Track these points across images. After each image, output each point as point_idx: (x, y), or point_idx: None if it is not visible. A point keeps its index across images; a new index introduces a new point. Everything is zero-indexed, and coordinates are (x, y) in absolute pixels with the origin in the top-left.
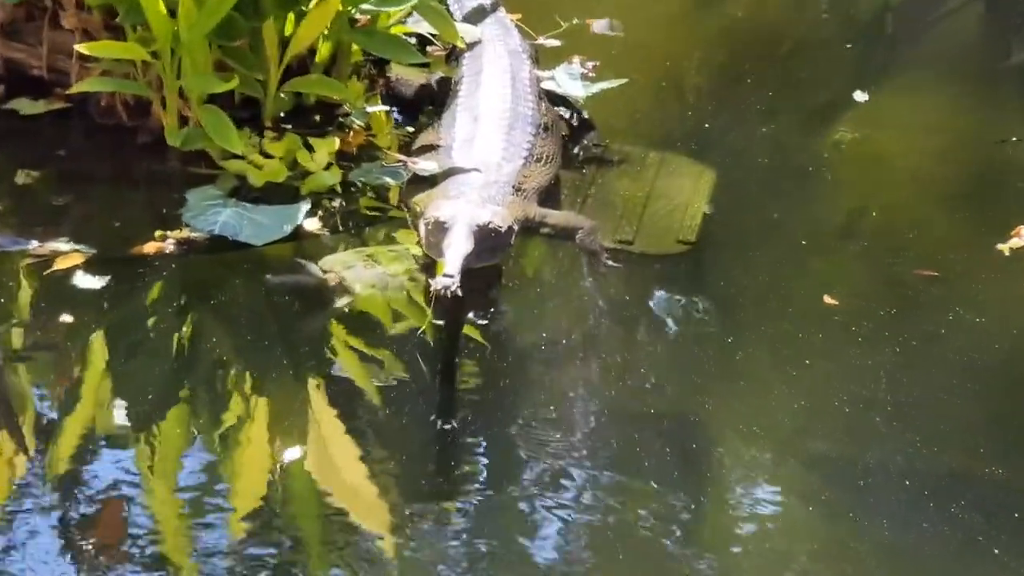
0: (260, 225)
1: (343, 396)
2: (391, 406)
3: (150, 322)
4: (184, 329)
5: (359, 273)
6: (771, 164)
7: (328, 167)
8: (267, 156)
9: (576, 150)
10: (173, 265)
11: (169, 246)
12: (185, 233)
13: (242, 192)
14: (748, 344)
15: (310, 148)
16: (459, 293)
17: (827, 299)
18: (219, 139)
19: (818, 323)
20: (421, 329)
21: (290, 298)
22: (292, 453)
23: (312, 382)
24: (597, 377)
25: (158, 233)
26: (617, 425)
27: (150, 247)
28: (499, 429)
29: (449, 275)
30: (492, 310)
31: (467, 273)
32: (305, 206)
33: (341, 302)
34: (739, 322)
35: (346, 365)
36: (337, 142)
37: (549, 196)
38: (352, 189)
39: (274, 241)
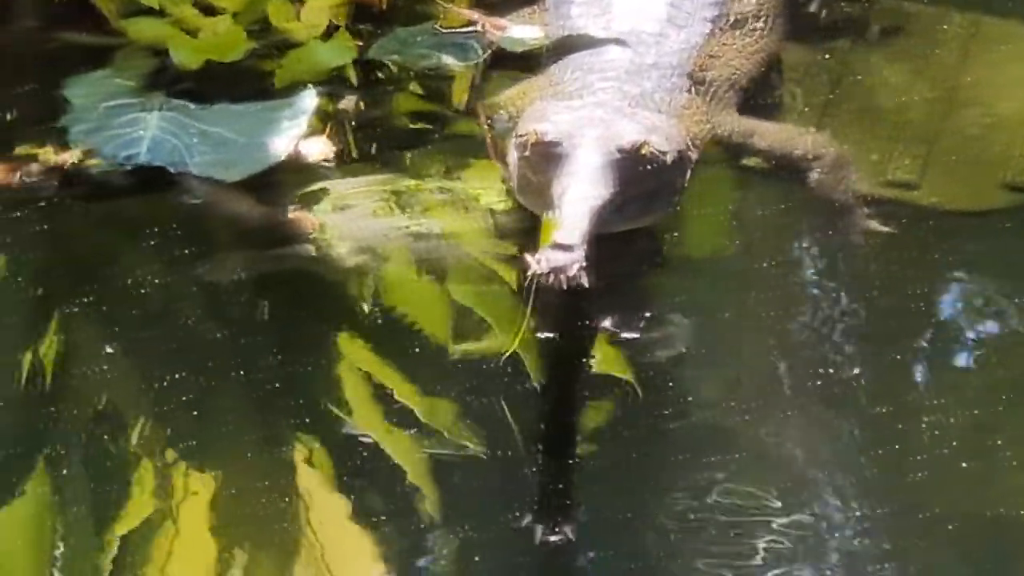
0: (226, 144)
1: (355, 480)
2: (448, 494)
3: None
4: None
5: (353, 223)
6: None
7: (331, 33)
8: (208, 12)
9: (813, 6)
10: (28, 219)
11: (30, 175)
12: (72, 155)
13: (161, 81)
14: None
15: None
16: (583, 281)
17: None
18: None
19: None
20: (507, 351)
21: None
22: None
23: (298, 454)
24: (874, 470)
25: (20, 150)
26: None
27: None
28: (660, 556)
29: (565, 245)
30: (647, 315)
31: (601, 243)
32: (309, 100)
33: (334, 265)
34: None
35: (360, 420)
36: None
37: (760, 96)
38: (378, 77)
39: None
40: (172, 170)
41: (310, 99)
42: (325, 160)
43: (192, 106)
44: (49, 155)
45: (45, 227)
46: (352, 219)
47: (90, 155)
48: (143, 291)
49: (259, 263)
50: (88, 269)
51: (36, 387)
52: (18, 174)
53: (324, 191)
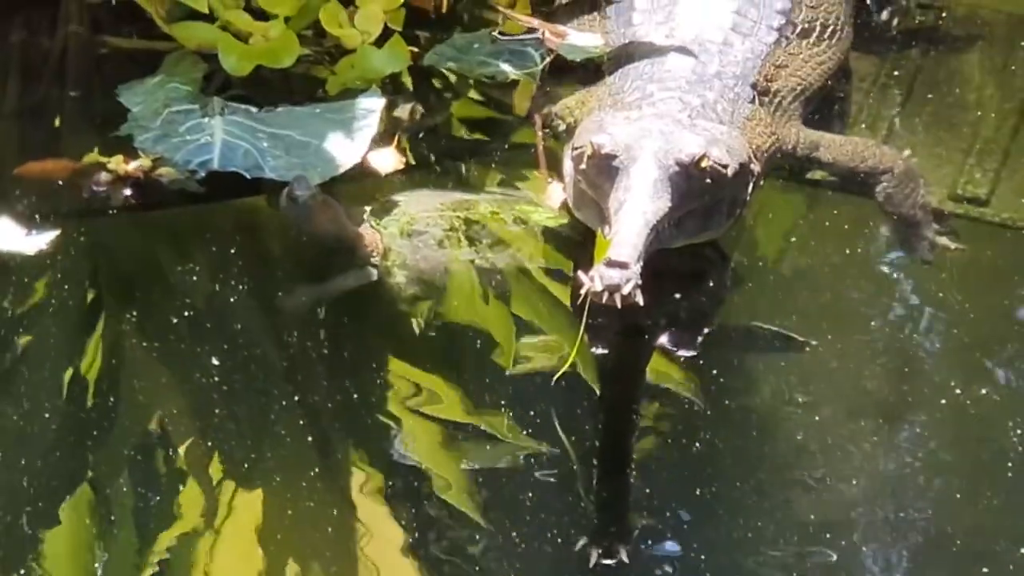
0: (300, 147)
1: (406, 501)
2: (501, 512)
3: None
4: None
5: (417, 252)
6: None
7: (385, 39)
8: (260, 16)
9: (883, 14)
10: (97, 229)
11: (98, 183)
12: (143, 163)
13: (210, 86)
14: None
15: (347, 0)
16: (638, 299)
17: None
18: None
19: None
20: (561, 370)
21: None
22: None
23: (358, 485)
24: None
25: (89, 158)
26: None
27: (45, 167)
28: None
29: (619, 262)
30: (706, 331)
31: (658, 260)
32: (374, 101)
33: (390, 293)
34: None
35: (413, 439)
36: None
37: (827, 107)
38: (433, 84)
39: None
40: (248, 175)
41: (376, 100)
42: (395, 171)
43: (254, 110)
44: (119, 164)
45: (113, 237)
46: (417, 248)
47: (160, 163)
48: (209, 304)
49: (323, 281)
50: (150, 280)
51: (86, 400)
52: (87, 182)
53: (394, 206)
